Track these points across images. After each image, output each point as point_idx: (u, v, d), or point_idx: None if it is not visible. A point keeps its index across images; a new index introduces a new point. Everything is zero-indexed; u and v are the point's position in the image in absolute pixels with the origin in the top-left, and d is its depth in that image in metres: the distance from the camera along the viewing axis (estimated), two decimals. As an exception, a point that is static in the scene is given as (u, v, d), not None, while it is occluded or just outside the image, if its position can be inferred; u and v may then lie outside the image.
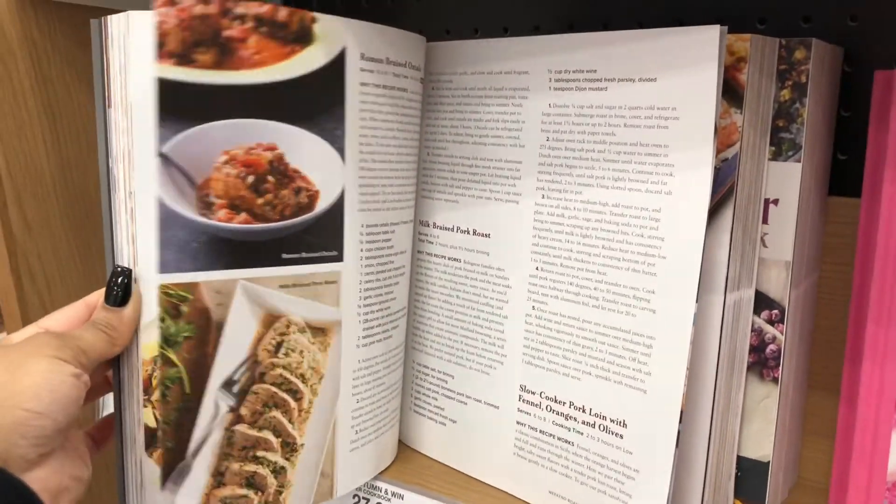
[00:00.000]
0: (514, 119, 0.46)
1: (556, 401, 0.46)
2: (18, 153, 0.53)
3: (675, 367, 0.40)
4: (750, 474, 0.45)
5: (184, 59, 0.38)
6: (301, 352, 0.44)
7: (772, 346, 0.44)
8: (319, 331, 0.45)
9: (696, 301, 0.39)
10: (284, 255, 0.43)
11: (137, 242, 0.40)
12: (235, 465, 0.43)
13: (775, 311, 0.44)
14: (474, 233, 0.49)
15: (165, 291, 0.40)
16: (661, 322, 0.41)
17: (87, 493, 0.39)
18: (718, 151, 0.41)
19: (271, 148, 0.41)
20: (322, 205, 0.44)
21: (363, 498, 0.51)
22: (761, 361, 0.44)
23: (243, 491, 0.44)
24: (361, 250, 0.46)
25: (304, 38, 0.41)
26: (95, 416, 0.53)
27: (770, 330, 0.44)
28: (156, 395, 0.41)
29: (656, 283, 0.41)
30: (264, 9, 0.40)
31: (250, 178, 0.41)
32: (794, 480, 0.51)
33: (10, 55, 0.51)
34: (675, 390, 0.40)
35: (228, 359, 0.42)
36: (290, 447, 0.45)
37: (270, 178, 0.42)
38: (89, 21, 0.41)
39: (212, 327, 0.42)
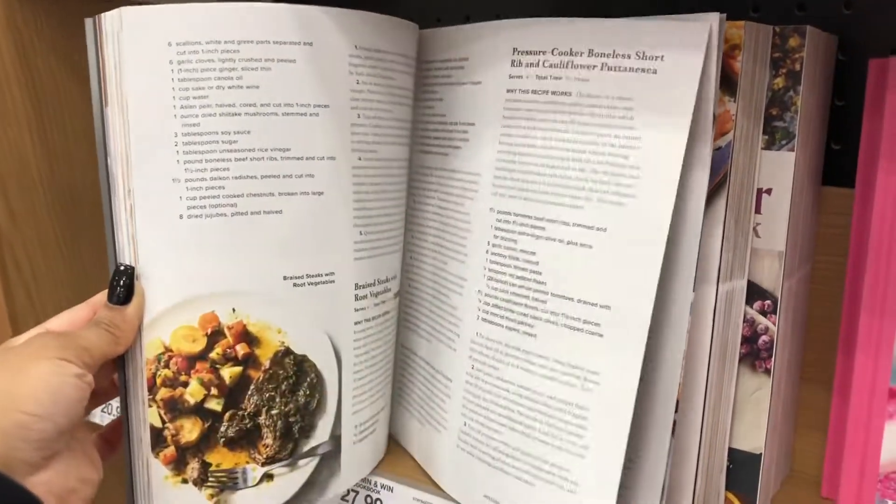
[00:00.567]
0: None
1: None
2: (3, 143, 0.52)
3: (673, 357, 0.40)
4: (742, 466, 0.45)
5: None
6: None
7: (764, 338, 0.44)
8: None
9: (693, 290, 0.39)
10: None
11: (138, 242, 0.40)
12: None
13: (768, 302, 0.43)
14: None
15: None
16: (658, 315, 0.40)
17: (97, 494, 0.39)
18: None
19: None
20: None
21: (352, 490, 0.51)
22: (754, 353, 0.44)
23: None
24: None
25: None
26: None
27: (762, 321, 0.44)
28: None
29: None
30: None
31: None
32: (786, 472, 0.50)
33: (-7, 43, 0.50)
34: (672, 380, 0.40)
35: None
36: None
37: None
38: (76, 10, 0.40)
39: None
